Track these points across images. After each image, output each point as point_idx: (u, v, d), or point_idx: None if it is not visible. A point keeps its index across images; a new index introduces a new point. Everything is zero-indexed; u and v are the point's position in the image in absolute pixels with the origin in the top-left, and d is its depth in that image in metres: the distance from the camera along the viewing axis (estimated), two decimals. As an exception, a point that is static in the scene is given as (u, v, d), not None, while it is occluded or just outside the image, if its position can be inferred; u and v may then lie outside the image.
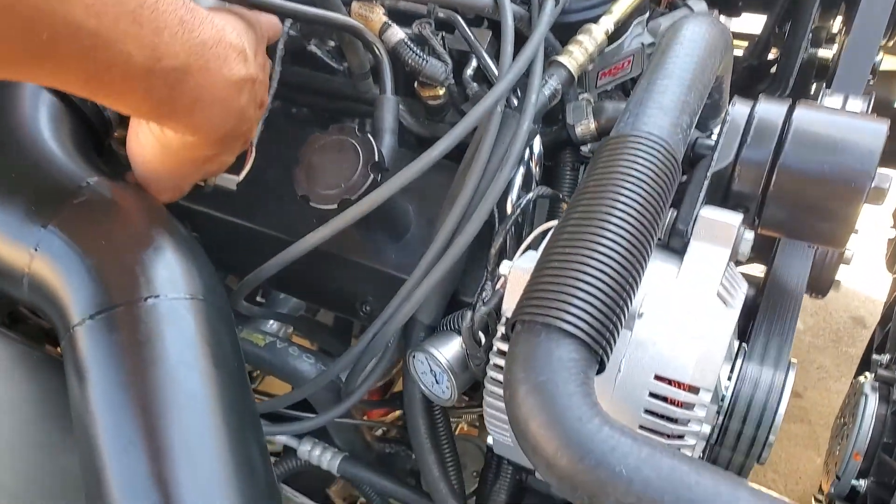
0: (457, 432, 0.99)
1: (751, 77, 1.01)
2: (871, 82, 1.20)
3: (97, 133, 0.66)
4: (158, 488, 0.46)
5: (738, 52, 1.13)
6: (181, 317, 0.53)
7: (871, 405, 0.84)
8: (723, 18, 1.11)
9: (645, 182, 0.50)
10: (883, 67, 1.18)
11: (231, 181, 0.70)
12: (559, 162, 0.75)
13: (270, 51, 0.70)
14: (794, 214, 0.57)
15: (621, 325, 0.46)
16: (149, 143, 0.57)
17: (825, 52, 1.06)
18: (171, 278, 0.54)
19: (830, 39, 1.11)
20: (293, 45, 0.85)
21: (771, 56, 1.03)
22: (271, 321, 0.95)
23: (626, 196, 0.49)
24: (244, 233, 0.76)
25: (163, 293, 0.53)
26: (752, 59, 0.99)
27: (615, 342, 0.46)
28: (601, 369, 0.46)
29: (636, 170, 0.50)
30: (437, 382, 0.65)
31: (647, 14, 0.86)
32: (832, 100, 0.69)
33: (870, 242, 2.09)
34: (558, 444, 0.41)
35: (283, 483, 0.94)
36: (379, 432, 0.91)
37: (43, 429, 0.60)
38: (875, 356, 0.99)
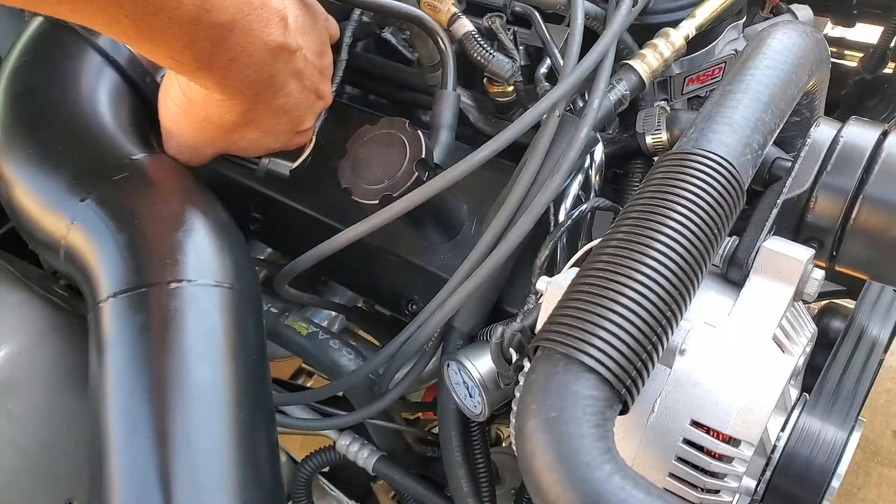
0: (504, 444, 0.96)
1: (862, 92, 0.92)
2: None
3: (155, 109, 0.66)
4: (156, 476, 0.45)
5: (853, 63, 1.03)
6: (204, 304, 0.52)
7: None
8: (837, 29, 1.01)
9: (700, 206, 0.45)
10: None
11: (285, 167, 0.70)
12: (628, 172, 0.70)
13: (336, 45, 0.68)
14: (877, 254, 0.51)
15: (653, 364, 0.42)
16: (177, 97, 0.57)
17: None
18: (199, 263, 0.53)
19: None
20: (368, 31, 0.84)
21: (888, 70, 0.93)
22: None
23: (676, 220, 0.44)
24: (298, 216, 0.76)
25: (189, 278, 0.52)
26: (865, 73, 0.90)
27: (643, 382, 0.41)
28: (625, 410, 0.41)
29: (691, 191, 0.45)
30: (469, 396, 0.62)
31: (744, 18, 0.79)
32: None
33: None
34: (561, 489, 0.37)
35: (320, 474, 0.93)
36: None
37: (72, 396, 0.62)
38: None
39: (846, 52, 1.05)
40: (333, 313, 1.02)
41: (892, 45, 0.86)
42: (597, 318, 0.41)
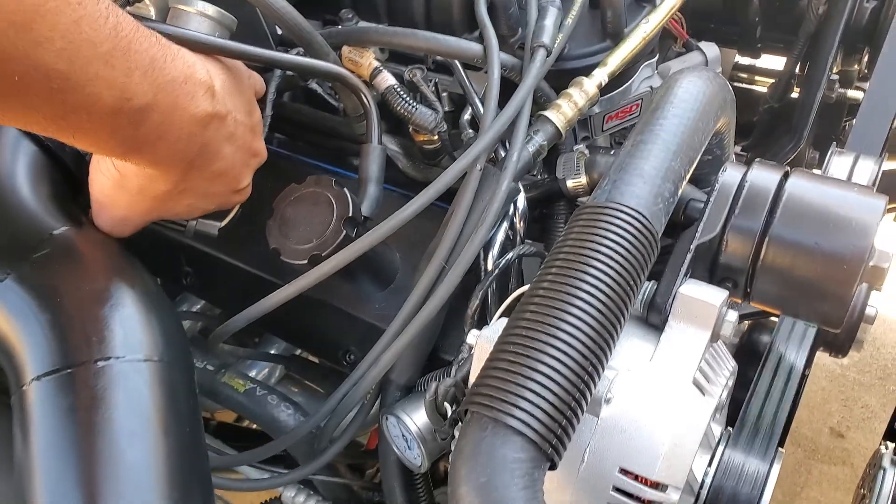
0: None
1: (772, 119, 0.96)
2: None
3: (76, 180, 0.65)
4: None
5: (763, 89, 1.08)
6: (133, 380, 0.51)
7: (889, 482, 0.78)
8: (745, 59, 1.06)
9: (615, 259, 0.46)
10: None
11: (213, 227, 0.70)
12: (553, 213, 0.72)
13: (261, 99, 0.69)
14: (786, 291, 0.53)
15: (578, 419, 0.43)
16: (108, 172, 0.56)
17: (856, 93, 1.00)
18: (126, 339, 0.53)
19: (864, 78, 1.05)
20: (292, 84, 0.85)
21: (795, 95, 0.98)
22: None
23: (593, 275, 0.45)
24: (229, 270, 0.75)
25: (116, 355, 0.51)
26: (772, 101, 0.95)
27: (570, 438, 0.43)
28: (553, 467, 0.43)
29: (606, 245, 0.47)
30: (408, 448, 0.63)
31: (657, 56, 0.82)
32: (841, 160, 0.64)
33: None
34: (494, 554, 0.38)
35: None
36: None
37: None
38: (897, 423, 0.93)
39: (756, 77, 1.10)
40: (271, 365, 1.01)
41: (796, 73, 0.91)
42: (521, 379, 0.42)
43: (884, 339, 2.36)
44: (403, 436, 0.62)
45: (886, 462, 0.79)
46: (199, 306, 1.00)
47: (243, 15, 0.64)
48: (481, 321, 0.63)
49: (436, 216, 0.68)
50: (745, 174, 0.56)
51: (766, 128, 0.97)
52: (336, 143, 0.86)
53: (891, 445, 0.85)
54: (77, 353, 0.51)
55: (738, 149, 1.11)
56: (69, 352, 0.51)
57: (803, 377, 0.62)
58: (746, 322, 0.82)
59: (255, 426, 1.15)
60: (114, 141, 0.49)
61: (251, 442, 0.95)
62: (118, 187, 0.56)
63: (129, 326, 0.53)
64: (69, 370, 0.50)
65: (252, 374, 0.90)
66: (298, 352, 1.02)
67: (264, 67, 0.72)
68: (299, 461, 0.73)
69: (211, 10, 0.60)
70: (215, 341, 0.68)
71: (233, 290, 0.77)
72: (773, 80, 1.03)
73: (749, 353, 0.78)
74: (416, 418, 0.61)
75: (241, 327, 0.64)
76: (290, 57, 0.63)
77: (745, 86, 1.11)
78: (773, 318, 0.78)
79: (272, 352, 0.98)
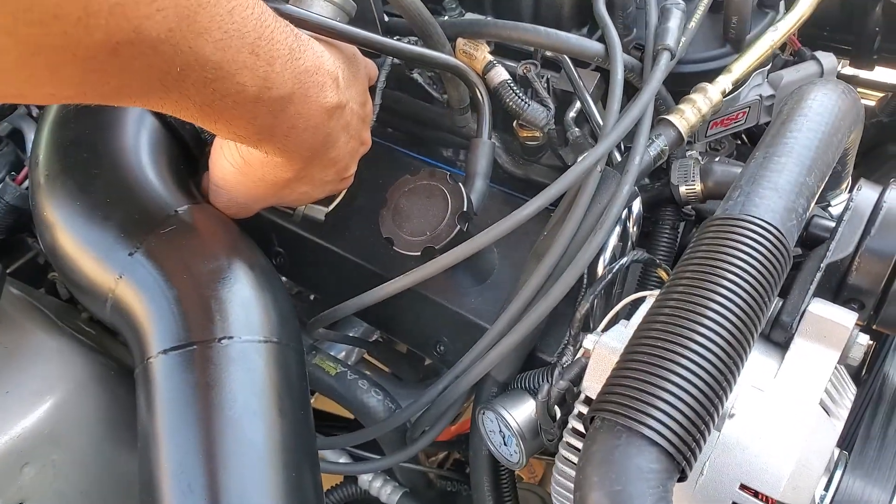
0: (525, 480, 0.96)
1: (879, 134, 0.93)
2: None
3: (195, 157, 0.67)
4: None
5: (870, 102, 1.04)
6: (252, 361, 0.52)
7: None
8: (854, 70, 1.02)
9: (750, 274, 0.45)
10: None
11: (320, 212, 0.70)
12: (658, 219, 0.71)
13: (371, 88, 0.69)
14: (919, 317, 0.52)
15: (709, 431, 0.42)
16: (232, 160, 0.57)
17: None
18: (246, 319, 0.54)
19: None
20: (399, 73, 0.85)
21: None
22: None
23: (728, 290, 0.45)
24: (331, 257, 0.76)
25: (237, 335, 0.52)
26: (882, 116, 0.91)
27: (700, 451, 0.42)
28: (683, 478, 0.42)
29: (741, 258, 0.46)
30: (504, 444, 0.63)
31: (769, 65, 0.80)
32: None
33: None
34: (627, 563, 0.38)
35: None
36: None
37: (111, 446, 0.62)
38: None
39: (859, 89, 1.06)
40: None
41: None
42: (655, 389, 0.41)
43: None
44: (500, 431, 0.62)
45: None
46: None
47: (359, 1, 0.64)
48: (585, 327, 0.63)
49: (537, 218, 0.67)
50: (882, 194, 0.54)
51: (873, 143, 0.93)
52: (432, 134, 0.86)
53: None
54: (201, 330, 0.52)
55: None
56: (193, 328, 0.52)
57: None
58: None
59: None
60: (252, 128, 0.50)
61: (329, 422, 0.96)
62: (242, 174, 0.57)
63: (249, 307, 0.54)
64: (194, 346, 0.51)
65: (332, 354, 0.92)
66: (376, 336, 1.03)
67: (374, 54, 0.73)
68: (386, 449, 0.74)
69: (335, -7, 0.60)
70: (316, 325, 0.69)
71: (331, 276, 0.78)
72: (881, 96, 0.99)
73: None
74: (517, 415, 0.60)
75: (348, 315, 0.64)
76: (411, 47, 0.63)
77: (846, 97, 1.07)
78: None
79: (351, 334, 0.99)
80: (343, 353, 1.03)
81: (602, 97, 0.74)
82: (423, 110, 0.85)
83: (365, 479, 0.85)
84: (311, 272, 0.82)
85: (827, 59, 0.80)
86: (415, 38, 0.72)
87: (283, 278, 1.03)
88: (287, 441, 0.51)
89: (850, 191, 0.57)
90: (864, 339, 0.50)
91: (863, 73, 1.03)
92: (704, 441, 0.42)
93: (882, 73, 0.95)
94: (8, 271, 0.89)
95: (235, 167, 0.57)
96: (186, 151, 0.65)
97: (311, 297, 0.96)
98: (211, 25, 0.42)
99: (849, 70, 1.06)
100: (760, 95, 0.80)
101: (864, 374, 0.67)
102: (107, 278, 0.55)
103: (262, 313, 0.55)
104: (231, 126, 0.49)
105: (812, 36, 0.88)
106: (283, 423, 0.52)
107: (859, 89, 1.06)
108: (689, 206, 0.70)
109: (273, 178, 0.57)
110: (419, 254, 0.60)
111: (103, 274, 0.55)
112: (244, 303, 0.54)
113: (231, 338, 0.52)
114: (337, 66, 0.55)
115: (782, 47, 0.91)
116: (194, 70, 0.42)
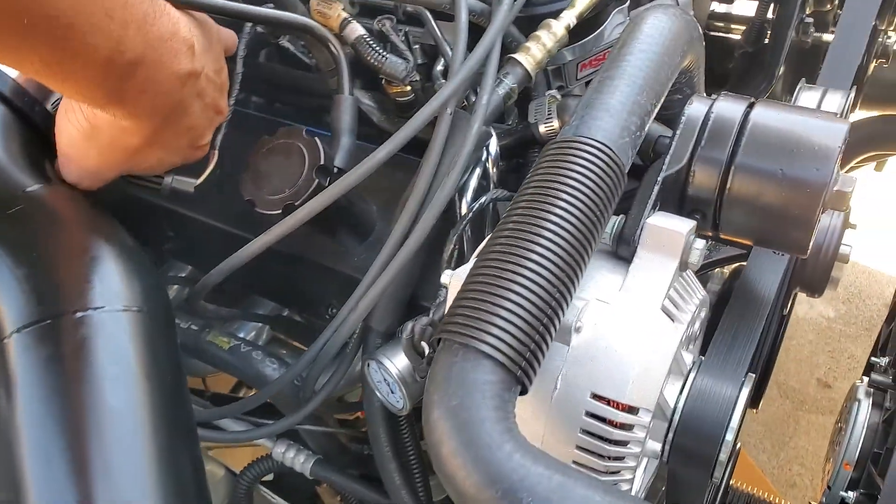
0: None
1: (747, 64, 0.97)
2: (886, 66, 1.14)
3: (47, 138, 0.65)
4: (76, 504, 0.46)
5: (737, 36, 1.08)
6: (113, 329, 0.52)
7: (864, 412, 0.80)
8: (721, 7, 1.06)
9: (582, 191, 0.47)
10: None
11: (189, 184, 0.70)
12: (528, 161, 0.73)
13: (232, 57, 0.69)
14: (753, 219, 0.54)
15: (547, 344, 0.44)
16: (79, 124, 0.57)
17: (831, 38, 1.01)
18: (104, 290, 0.53)
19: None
20: (263, 41, 0.84)
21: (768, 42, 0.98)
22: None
23: (560, 206, 0.46)
24: (207, 230, 0.76)
25: (95, 305, 0.52)
26: (747, 46, 0.95)
27: (539, 363, 0.44)
28: (524, 391, 0.44)
29: (573, 177, 0.48)
30: (391, 392, 0.64)
31: (628, 2, 0.82)
32: (809, 95, 0.65)
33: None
34: (466, 473, 0.39)
35: (262, 484, 0.94)
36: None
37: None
38: (873, 358, 0.95)
39: (732, 25, 1.10)
40: (259, 325, 1.02)
41: (768, 17, 0.91)
42: (490, 307, 0.43)
43: (869, 291, 2.39)
44: (385, 380, 0.63)
45: (861, 394, 0.81)
46: (186, 273, 1.01)
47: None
48: (459, 266, 0.64)
49: (411, 168, 0.68)
50: (710, 106, 0.56)
51: (742, 73, 0.97)
52: (313, 101, 0.86)
53: (865, 379, 0.86)
54: (56, 304, 0.51)
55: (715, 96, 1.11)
56: (48, 304, 0.51)
57: (776, 307, 0.63)
58: (728, 269, 0.83)
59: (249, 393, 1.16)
60: (100, 91, 0.50)
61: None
62: (88, 139, 0.56)
63: (106, 278, 0.54)
64: (48, 321, 0.51)
65: (240, 336, 0.92)
66: (286, 314, 1.03)
67: (234, 23, 0.72)
68: (284, 413, 0.74)
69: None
70: (195, 298, 0.69)
71: (212, 250, 0.77)
72: (744, 28, 1.03)
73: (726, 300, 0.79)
74: (397, 362, 0.62)
75: (218, 281, 0.64)
76: (258, 9, 0.63)
77: (721, 34, 1.11)
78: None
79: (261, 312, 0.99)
80: (253, 334, 1.03)
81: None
82: (298, 79, 0.86)
83: (279, 452, 0.85)
84: (197, 250, 0.81)
85: (682, -8, 0.83)
86: (270, 3, 0.72)
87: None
88: (152, 406, 0.51)
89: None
90: (700, 244, 0.52)
91: (721, 8, 1.07)
92: (543, 353, 0.44)
93: (743, 7, 0.99)
94: None
95: (82, 132, 0.56)
96: (37, 133, 0.64)
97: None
98: None
99: (721, 8, 1.10)
100: (623, 33, 0.82)
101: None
102: (-44, 265, 0.54)
103: (121, 283, 0.54)
104: (78, 87, 0.49)
105: (672, -27, 0.91)
106: (148, 389, 0.51)
107: (732, 25, 1.10)
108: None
109: (123, 144, 0.56)
110: (280, 212, 0.60)
111: (-47, 261, 0.54)
112: (101, 274, 0.54)
113: (87, 309, 0.51)
114: (192, 34, 0.55)
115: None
116: (42, 25, 0.42)
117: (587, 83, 0.87)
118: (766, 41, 0.96)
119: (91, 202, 0.60)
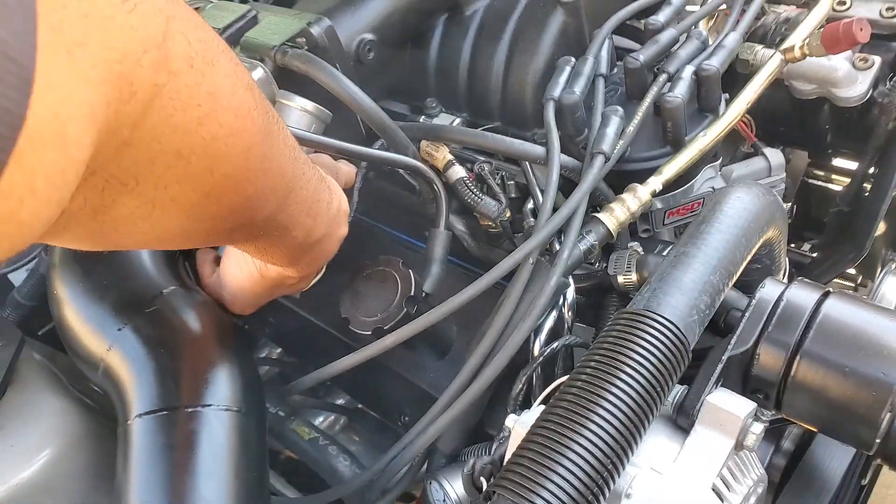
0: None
1: (841, 223, 0.97)
2: None
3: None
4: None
5: (838, 187, 1.09)
6: (215, 427, 0.60)
7: None
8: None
9: (645, 365, 0.51)
10: None
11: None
12: (604, 304, 0.77)
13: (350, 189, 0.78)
14: (816, 409, 0.56)
15: (594, 512, 0.47)
16: (248, 271, 0.66)
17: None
18: (214, 390, 0.61)
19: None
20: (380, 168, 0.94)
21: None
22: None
23: (623, 379, 0.50)
24: (308, 325, 0.84)
25: (205, 402, 0.60)
26: (843, 205, 0.96)
27: (585, 529, 0.47)
28: (568, 554, 0.47)
29: (638, 351, 0.52)
30: (449, 511, 0.68)
31: (720, 159, 0.86)
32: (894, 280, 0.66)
33: None
34: None
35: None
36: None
37: (99, 496, 0.69)
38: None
39: (833, 175, 1.11)
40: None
41: (868, 177, 0.92)
42: (545, 470, 0.47)
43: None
44: (444, 501, 0.67)
45: None
46: (278, 351, 1.09)
47: (337, 108, 0.73)
48: (526, 403, 0.68)
49: (494, 295, 0.74)
50: (783, 291, 0.59)
51: (835, 233, 0.98)
52: (412, 219, 0.94)
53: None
54: (175, 398, 0.60)
55: (807, 247, 1.12)
56: (167, 397, 0.60)
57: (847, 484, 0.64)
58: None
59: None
60: (285, 259, 0.61)
61: (312, 480, 1.02)
62: (256, 284, 0.66)
63: (216, 379, 0.62)
64: (166, 412, 0.59)
65: (319, 419, 0.98)
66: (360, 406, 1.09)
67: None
68: (350, 509, 0.80)
69: (310, 105, 0.69)
70: (289, 393, 0.76)
71: (308, 343, 0.85)
72: (849, 181, 1.03)
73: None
74: (457, 486, 0.66)
75: (313, 385, 0.71)
76: (374, 151, 0.71)
77: (820, 183, 1.12)
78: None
79: (337, 402, 1.06)
80: (332, 419, 1.09)
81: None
82: (402, 198, 0.94)
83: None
84: (295, 340, 0.89)
85: (774, 155, 0.86)
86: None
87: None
88: (239, 500, 0.58)
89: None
90: (759, 429, 0.54)
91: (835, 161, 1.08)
92: (590, 519, 0.47)
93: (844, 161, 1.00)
94: (39, 333, 0.99)
95: (252, 280, 0.66)
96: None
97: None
98: (296, 207, 0.54)
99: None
100: (713, 187, 0.86)
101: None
102: (100, 348, 0.63)
103: (228, 385, 0.62)
104: (267, 258, 0.60)
105: (770, 131, 0.94)
106: (237, 484, 0.58)
107: (832, 175, 1.11)
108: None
109: (286, 284, 0.67)
110: (370, 333, 0.67)
111: (97, 344, 0.64)
112: (215, 376, 0.62)
113: (197, 406, 0.59)
114: (343, 199, 0.64)
115: (743, 142, 0.97)
116: (267, 229, 0.53)
117: (675, 228, 0.91)
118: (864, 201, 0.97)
119: (215, 305, 0.69)
